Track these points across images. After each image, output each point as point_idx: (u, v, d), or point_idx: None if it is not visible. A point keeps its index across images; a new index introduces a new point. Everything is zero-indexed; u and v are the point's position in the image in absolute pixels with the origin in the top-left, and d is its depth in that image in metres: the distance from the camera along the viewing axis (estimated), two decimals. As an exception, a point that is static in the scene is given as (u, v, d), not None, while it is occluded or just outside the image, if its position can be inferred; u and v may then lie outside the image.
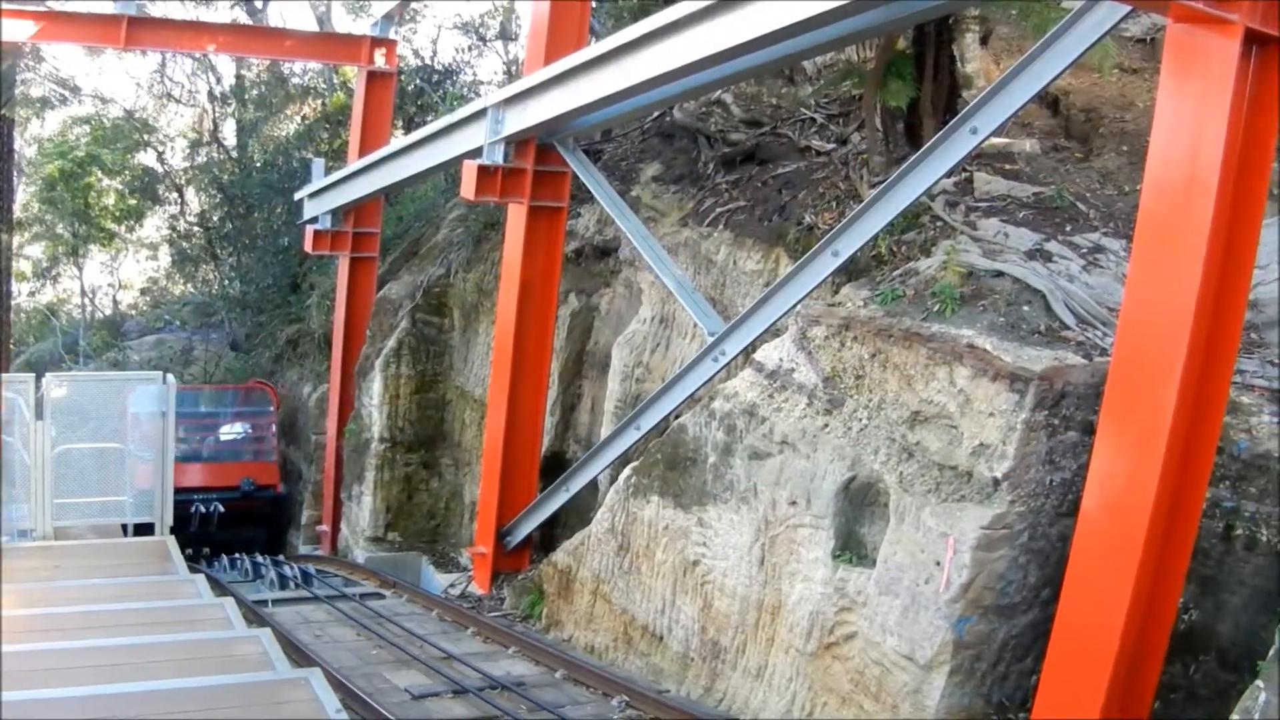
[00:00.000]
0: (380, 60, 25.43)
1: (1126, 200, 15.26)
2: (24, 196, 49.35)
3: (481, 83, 39.47)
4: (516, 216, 17.36)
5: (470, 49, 39.39)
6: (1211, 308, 8.70)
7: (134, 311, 55.68)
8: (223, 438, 33.54)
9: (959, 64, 16.84)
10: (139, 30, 24.60)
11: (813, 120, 19.12)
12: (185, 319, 43.46)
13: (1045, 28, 13.59)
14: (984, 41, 18.27)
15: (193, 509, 29.54)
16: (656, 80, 13.82)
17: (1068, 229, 14.39)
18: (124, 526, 21.14)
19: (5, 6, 25.05)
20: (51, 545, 19.56)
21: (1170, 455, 8.92)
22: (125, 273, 58.86)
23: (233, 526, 31.37)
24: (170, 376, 21.10)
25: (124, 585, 16.89)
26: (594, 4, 21.04)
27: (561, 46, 17.12)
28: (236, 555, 26.93)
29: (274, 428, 33.73)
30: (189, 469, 30.18)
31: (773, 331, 14.26)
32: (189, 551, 24.34)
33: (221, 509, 30.93)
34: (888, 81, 15.45)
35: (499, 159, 16.67)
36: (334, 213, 24.13)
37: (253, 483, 32.04)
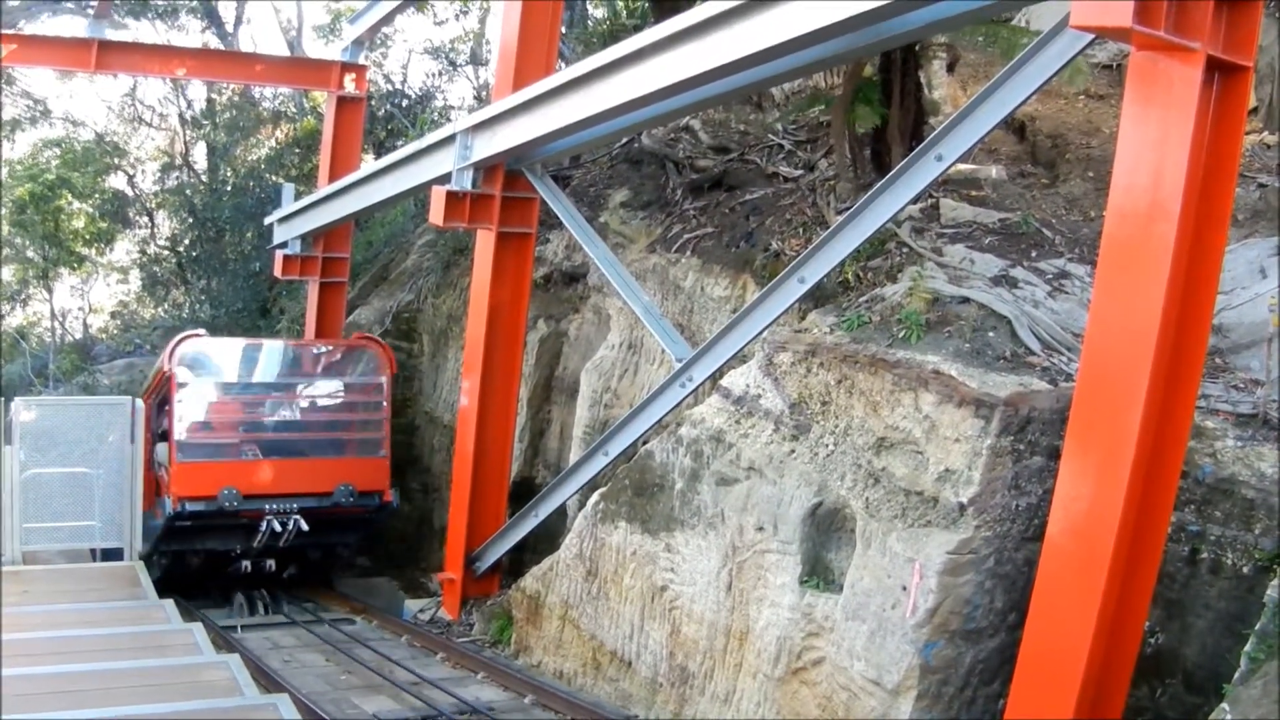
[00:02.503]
0: (350, 85, 25.43)
1: (1092, 226, 15.33)
2: (-7, 221, 49.25)
3: (452, 107, 39.48)
4: (485, 242, 17.40)
5: (440, 74, 39.41)
6: (1175, 332, 8.76)
7: (104, 335, 55.48)
8: (308, 421, 22.94)
9: (925, 90, 16.93)
10: (109, 54, 24.59)
11: (780, 146, 19.19)
12: (155, 343, 43.27)
13: (1012, 52, 13.70)
14: (950, 68, 18.38)
15: (263, 526, 21.24)
16: (625, 106, 13.87)
17: (1033, 255, 14.46)
18: (92, 552, 21.12)
19: (-21, 31, 25.09)
20: (20, 570, 19.45)
21: (1135, 479, 8.97)
22: (95, 296, 58.62)
23: (319, 551, 23.51)
24: (139, 402, 21.08)
25: (92, 610, 16.82)
26: (563, 30, 21.04)
27: (530, 72, 17.18)
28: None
29: (386, 405, 22.90)
30: (255, 467, 21.77)
31: (740, 358, 14.30)
32: (240, 602, 22.05)
33: (304, 526, 21.34)
34: (855, 107, 15.54)
35: (467, 185, 16.71)
36: (304, 238, 24.10)
37: (352, 489, 21.79)
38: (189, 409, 21.59)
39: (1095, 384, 9.25)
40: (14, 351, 51.04)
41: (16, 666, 13.46)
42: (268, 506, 21.26)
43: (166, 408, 22.08)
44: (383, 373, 22.72)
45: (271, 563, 22.32)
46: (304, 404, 23.18)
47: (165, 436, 22.07)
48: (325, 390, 23.66)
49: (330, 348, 23.83)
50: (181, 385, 21.34)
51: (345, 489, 21.84)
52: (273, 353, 23.41)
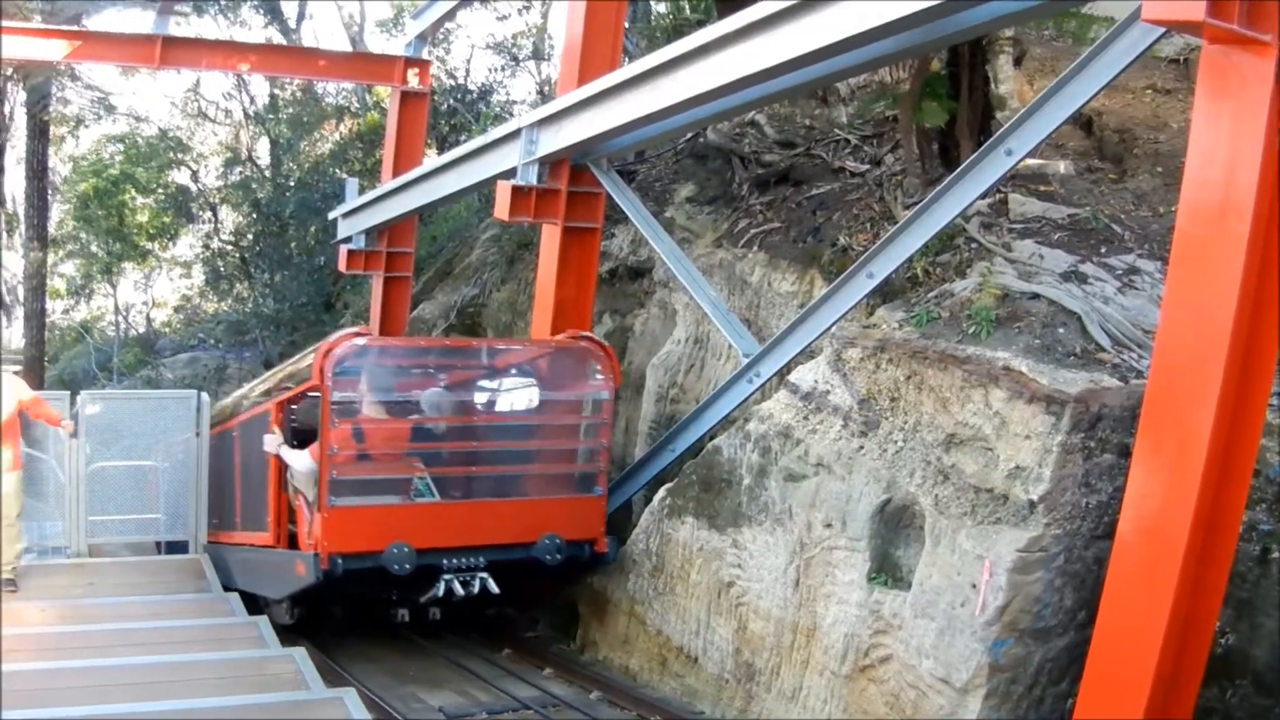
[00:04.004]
0: (414, 80, 25.45)
1: (1161, 222, 15.21)
2: (58, 214, 49.60)
3: (514, 102, 39.52)
4: (550, 237, 17.37)
5: (503, 69, 39.44)
6: (1248, 330, 8.65)
7: (167, 329, 55.82)
8: (504, 450, 16.80)
9: (993, 85, 16.84)
10: (173, 50, 24.65)
11: (846, 141, 19.11)
12: (219, 337, 43.48)
13: (1082, 37, 13.61)
14: (1018, 62, 18.25)
15: (438, 589, 15.53)
16: (690, 102, 13.81)
17: (1103, 251, 14.36)
18: (157, 545, 21.29)
19: (42, 26, 25.24)
20: (85, 562, 19.67)
21: (1207, 477, 8.86)
22: (158, 290, 59.05)
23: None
24: (204, 395, 21.22)
25: (158, 603, 16.94)
26: (626, 25, 21.01)
27: (595, 67, 17.15)
28: None
29: (607, 428, 16.75)
30: (433, 513, 15.95)
31: (808, 353, 14.26)
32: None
33: (493, 588, 15.75)
34: (923, 102, 15.47)
35: (533, 180, 16.68)
36: (368, 232, 24.12)
37: (558, 541, 15.98)
38: (345, 435, 15.47)
39: (1167, 381, 9.14)
40: (78, 345, 51.43)
41: (81, 659, 13.58)
42: (446, 562, 15.54)
43: (301, 419, 17.43)
44: (605, 384, 16.49)
45: (436, 612, 16.58)
46: (500, 425, 17.16)
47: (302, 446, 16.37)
48: (528, 407, 17.36)
49: (534, 350, 17.70)
50: (337, 404, 15.07)
51: (550, 541, 15.94)
52: (460, 357, 17.77)
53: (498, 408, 17.54)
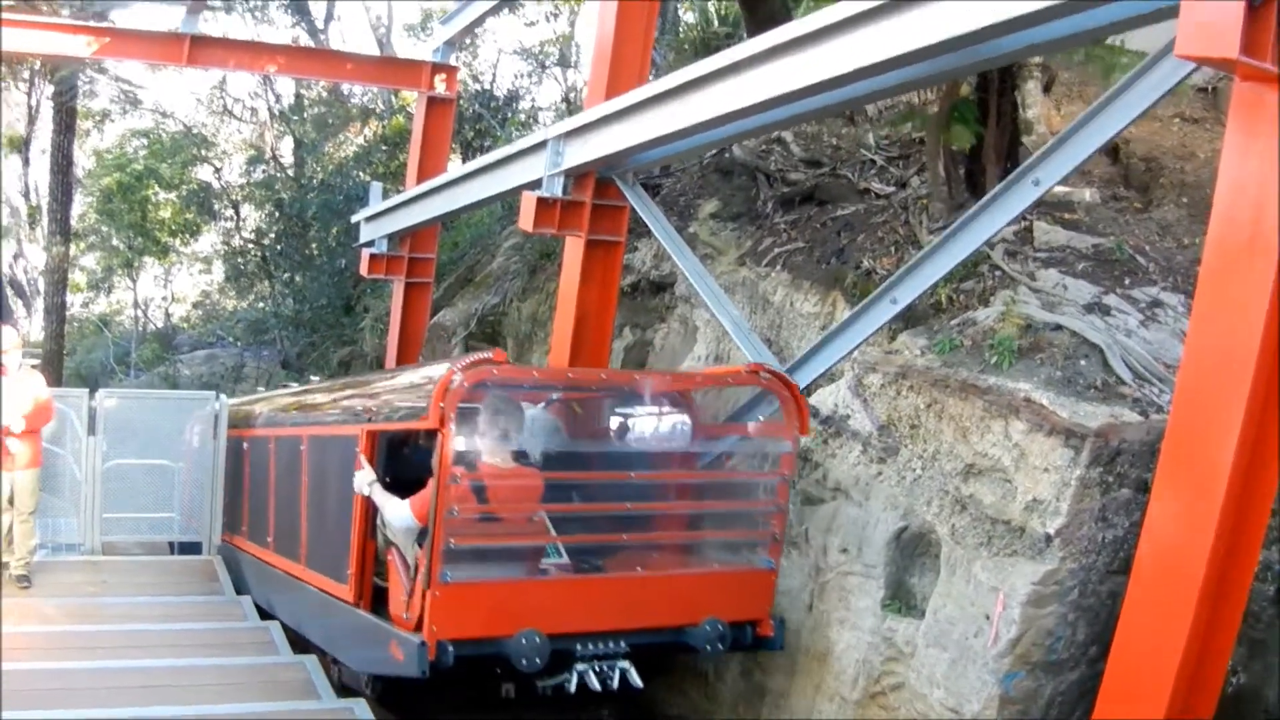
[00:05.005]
0: (440, 86, 25.45)
1: (1185, 254, 15.18)
2: (80, 207, 49.70)
3: (540, 109, 39.58)
4: (574, 249, 17.33)
5: (529, 75, 39.48)
6: (1270, 369, 8.61)
7: (185, 325, 55.95)
8: (659, 514, 13.50)
9: (1020, 110, 16.82)
10: (201, 49, 24.67)
11: (872, 162, 19.09)
12: (238, 335, 43.53)
13: (1110, 72, 13.57)
14: (1046, 89, 18.24)
15: (568, 679, 12.22)
16: (719, 119, 13.75)
17: (1126, 282, 14.32)
18: (171, 545, 21.33)
19: (71, 22, 25.29)
20: (100, 560, 19.77)
21: (1225, 515, 8.82)
22: (178, 285, 59.25)
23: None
24: (223, 397, 21.25)
25: (170, 605, 17.03)
26: (655, 36, 20.99)
27: (624, 77, 17.11)
28: None
29: (787, 484, 13.27)
30: (569, 591, 12.71)
31: (828, 376, 14.24)
32: None
33: (636, 680, 12.38)
34: (951, 126, 15.44)
35: (558, 191, 16.61)
36: (390, 237, 24.10)
37: (721, 626, 12.73)
38: (466, 492, 11.93)
39: (1188, 417, 9.08)
40: (97, 338, 51.56)
41: (93, 660, 13.62)
42: (580, 648, 12.16)
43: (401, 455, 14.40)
44: (788, 431, 12.95)
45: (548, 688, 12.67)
46: (653, 482, 13.32)
47: (398, 486, 13.10)
48: (690, 456, 13.83)
49: (702, 384, 14.10)
50: (463, 454, 11.90)
51: (713, 628, 12.65)
52: (612, 395, 14.39)
53: (654, 456, 13.95)
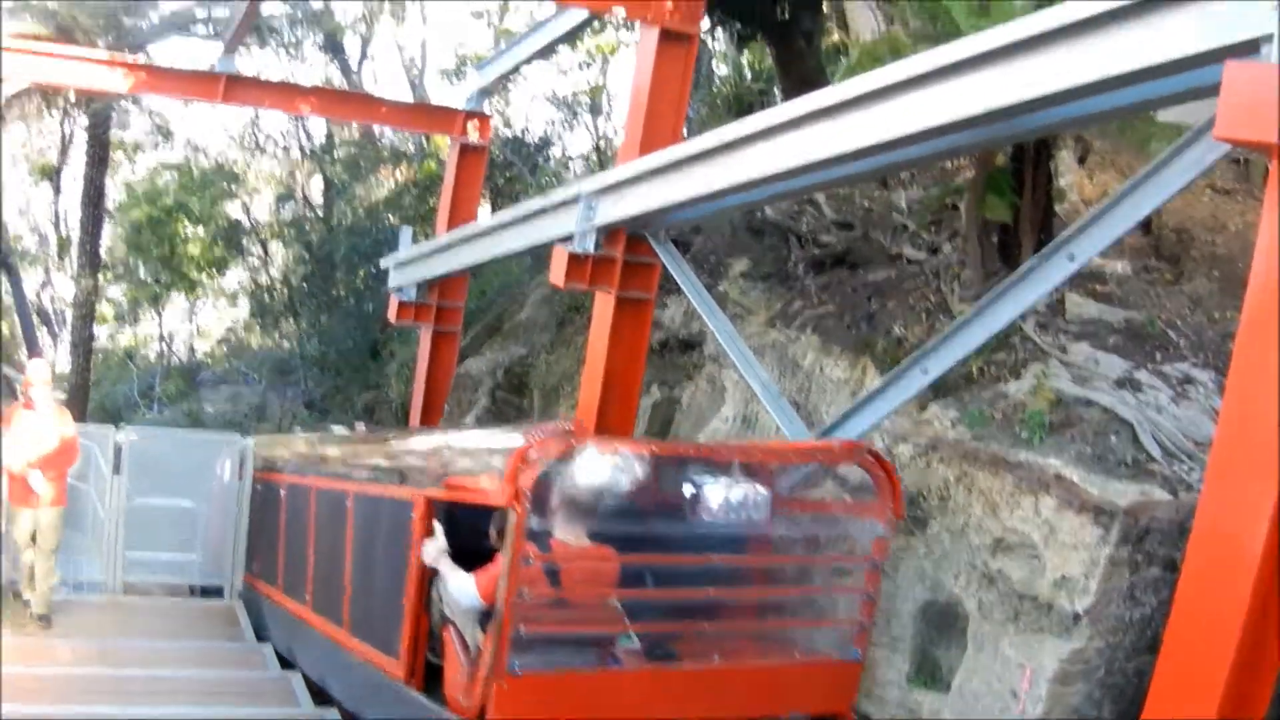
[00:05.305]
0: (473, 134, 25.45)
1: (1216, 328, 15.17)
2: (109, 239, 49.87)
3: (570, 158, 39.65)
4: (603, 306, 17.30)
5: (562, 123, 39.58)
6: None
7: (210, 360, 56.08)
8: (738, 601, 12.33)
9: (1054, 179, 16.82)
10: (236, 88, 24.74)
11: (904, 226, 19.08)
12: (263, 374, 43.58)
13: (1145, 147, 13.56)
14: (1082, 160, 18.24)
15: None
16: (754, 183, 13.73)
17: (1157, 358, 14.31)
18: (191, 588, 21.30)
19: (108, 56, 25.42)
20: (121, 601, 19.77)
21: (1255, 596, 8.76)
22: (203, 319, 59.39)
23: None
24: (250, 440, 21.24)
25: (190, 650, 16.99)
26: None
27: (658, 132, 17.15)
28: None
29: (878, 571, 11.84)
30: (641, 682, 11.46)
31: (857, 444, 14.23)
32: None
33: None
34: (986, 197, 15.44)
35: (590, 247, 16.57)
36: (419, 284, 24.09)
37: None
38: (538, 575, 10.69)
39: (1220, 497, 9.03)
40: (121, 371, 51.68)
41: (112, 704, 13.60)
42: None
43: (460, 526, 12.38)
44: (883, 513, 11.61)
45: None
46: (732, 565, 12.09)
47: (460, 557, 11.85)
48: (774, 539, 12.30)
49: (790, 460, 12.73)
50: (537, 534, 10.67)
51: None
52: (698, 468, 11.85)
53: (736, 536, 12.05)
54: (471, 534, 11.84)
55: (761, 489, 11.66)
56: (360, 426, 19.86)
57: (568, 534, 11.01)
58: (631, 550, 11.34)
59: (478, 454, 12.41)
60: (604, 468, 10.85)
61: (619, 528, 11.19)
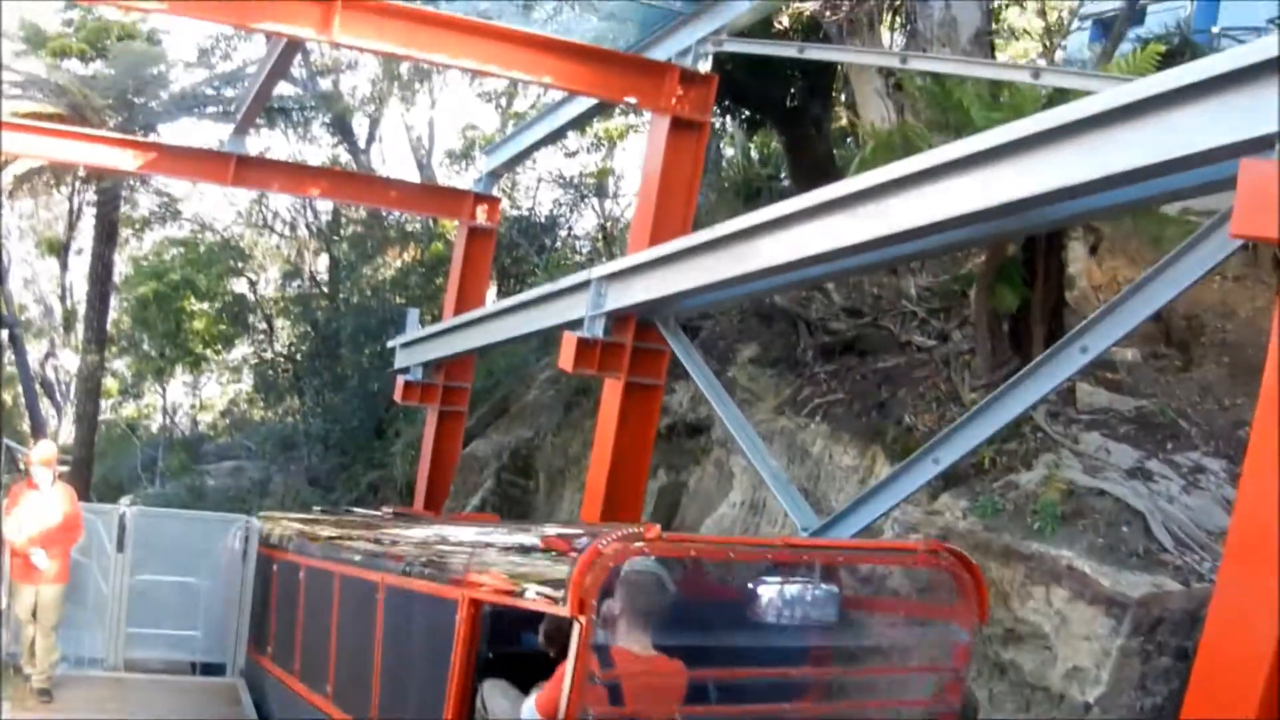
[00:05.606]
0: (482, 217, 25.51)
1: (1227, 416, 15.16)
2: (114, 312, 49.94)
3: (577, 238, 39.77)
4: (612, 391, 17.30)
5: (568, 206, 39.70)
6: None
7: (213, 433, 56.06)
8: (809, 712, 10.66)
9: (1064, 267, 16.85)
10: (246, 170, 24.81)
11: (914, 313, 19.10)
12: (266, 450, 43.50)
13: (1159, 241, 13.58)
14: (1093, 250, 18.26)
15: None
16: (765, 272, 13.79)
17: (1168, 446, 14.29)
18: (193, 665, 21.25)
19: (117, 136, 25.52)
20: (123, 677, 19.74)
21: (1268, 689, 8.73)
22: (207, 392, 59.47)
23: None
24: (254, 521, 21.20)
25: (191, 727, 16.93)
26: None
27: (669, 217, 17.24)
28: None
29: (960, 681, 10.46)
30: None
31: (867, 532, 14.16)
32: None
33: None
34: (996, 287, 15.45)
35: (599, 333, 16.58)
36: (425, 364, 24.14)
37: None
38: (603, 693, 9.41)
39: (1234, 589, 9.02)
40: (124, 443, 51.66)
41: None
42: None
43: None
44: (967, 618, 10.45)
45: None
46: (806, 676, 11.00)
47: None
48: (852, 646, 11.27)
49: (876, 564, 12.27)
50: (603, 648, 9.43)
51: None
52: (777, 572, 10.62)
53: (811, 645, 10.97)
54: (512, 626, 11.29)
55: (837, 590, 10.63)
56: (387, 509, 19.28)
57: (632, 642, 9.77)
58: (700, 662, 10.04)
59: (526, 551, 11.59)
60: (674, 572, 10.11)
61: (686, 637, 9.96)
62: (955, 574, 10.39)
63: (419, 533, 15.51)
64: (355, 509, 23.06)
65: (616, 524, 10.37)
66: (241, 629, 20.46)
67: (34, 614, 17.79)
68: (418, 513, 19.66)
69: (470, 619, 10.63)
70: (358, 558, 15.17)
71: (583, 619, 8.76)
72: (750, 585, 10.30)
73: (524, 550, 11.22)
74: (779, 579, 10.42)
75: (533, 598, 9.76)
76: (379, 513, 18.55)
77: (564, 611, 8.93)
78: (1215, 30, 32.02)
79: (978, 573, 10.41)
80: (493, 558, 11.85)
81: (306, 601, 16.90)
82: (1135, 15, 24.49)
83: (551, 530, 11.55)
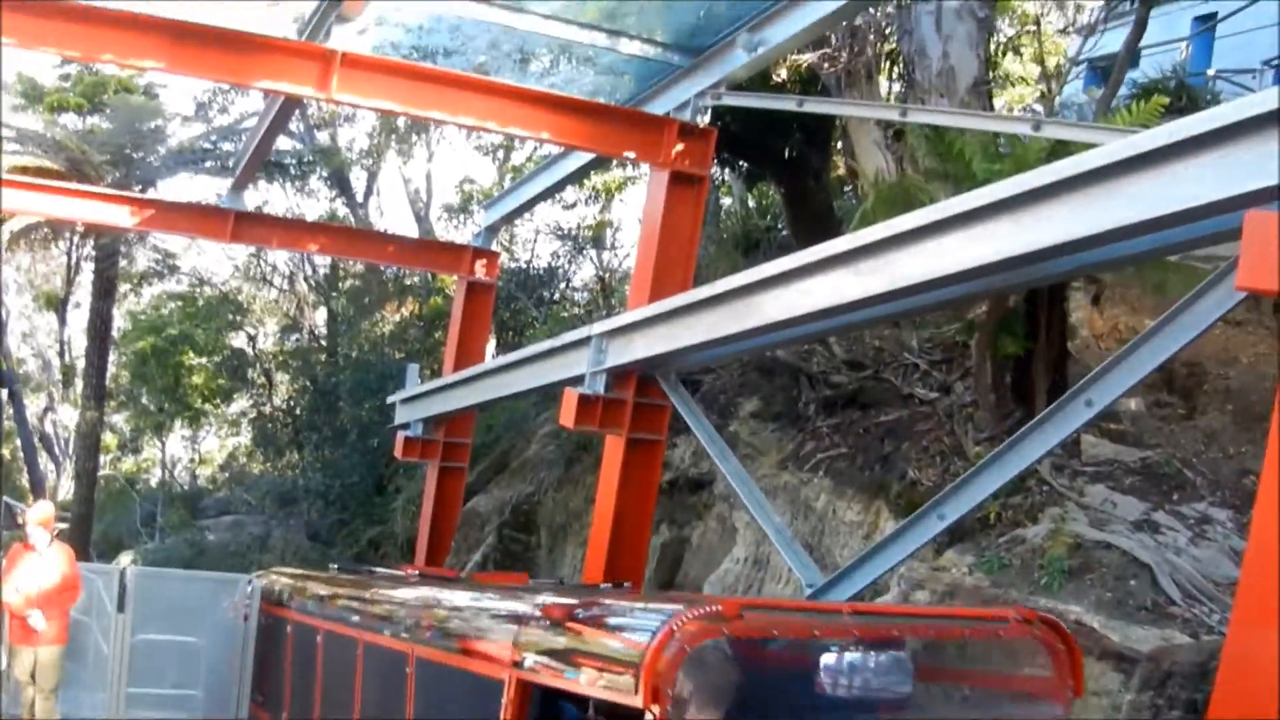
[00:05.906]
0: (481, 271, 25.45)
1: (1231, 464, 15.10)
2: (112, 366, 49.90)
3: (575, 289, 39.74)
4: (614, 448, 17.23)
5: (567, 259, 39.71)
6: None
7: (212, 487, 55.93)
8: None
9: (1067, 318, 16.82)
10: (245, 226, 24.68)
11: (915, 365, 19.05)
12: (265, 505, 43.36)
13: (1164, 288, 13.53)
14: (1095, 300, 18.23)
15: None
16: (766, 328, 13.74)
17: (1174, 497, 14.24)
18: (192, 724, 21.12)
19: (114, 192, 25.49)
20: (122, 739, 19.59)
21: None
22: (205, 446, 59.37)
23: None
24: (255, 581, 21.07)
25: (190, 787, 16.82)
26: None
27: (669, 277, 17.16)
28: None
29: None
30: None
31: (873, 588, 14.08)
32: None
33: None
34: (999, 339, 15.40)
35: (600, 389, 16.52)
36: (425, 420, 24.08)
37: None
38: None
39: (1244, 641, 8.93)
40: (123, 498, 51.55)
41: None
42: None
43: None
44: (1061, 692, 9.78)
45: None
46: None
47: None
48: None
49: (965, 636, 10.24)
50: None
51: None
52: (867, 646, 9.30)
53: None
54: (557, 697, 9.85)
55: (911, 662, 9.47)
56: (412, 571, 18.25)
57: None
58: None
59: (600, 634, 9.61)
60: (754, 652, 9.11)
61: (753, 714, 8.99)
62: (1050, 645, 9.70)
63: (454, 596, 13.88)
64: (378, 568, 22.18)
65: (667, 593, 9.47)
66: (244, 690, 20.32)
67: (33, 676, 17.68)
68: (444, 573, 19.03)
69: (518, 701, 9.76)
70: (386, 628, 13.61)
71: (656, 709, 7.90)
72: (819, 657, 9.18)
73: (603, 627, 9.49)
74: (863, 654, 9.33)
75: (594, 686, 8.85)
76: (403, 573, 17.88)
77: (636, 702, 8.01)
78: (1210, 73, 32.12)
79: (1073, 643, 9.80)
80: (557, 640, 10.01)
81: (325, 666, 15.68)
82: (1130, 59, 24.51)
83: (583, 592, 11.03)
